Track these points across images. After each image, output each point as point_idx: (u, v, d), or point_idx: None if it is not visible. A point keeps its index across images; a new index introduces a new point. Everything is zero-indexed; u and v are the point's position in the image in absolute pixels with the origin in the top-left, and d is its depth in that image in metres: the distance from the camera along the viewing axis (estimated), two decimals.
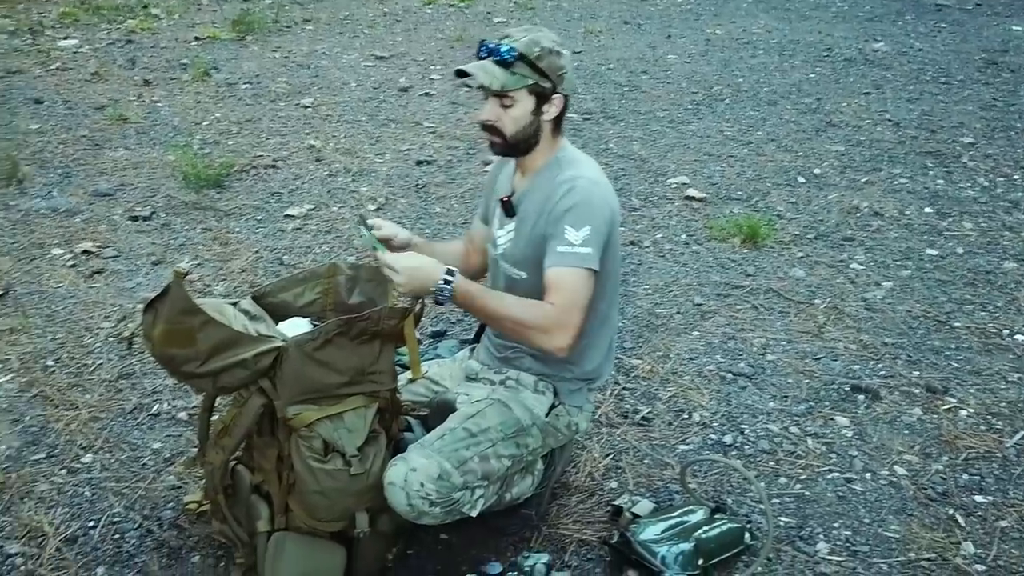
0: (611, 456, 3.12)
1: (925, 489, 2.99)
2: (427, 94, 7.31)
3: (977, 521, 2.86)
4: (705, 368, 3.65)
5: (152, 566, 2.61)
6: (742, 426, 3.29)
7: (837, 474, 3.06)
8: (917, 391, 3.52)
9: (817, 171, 5.77)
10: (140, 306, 3.74)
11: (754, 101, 7.23)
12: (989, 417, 3.37)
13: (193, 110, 6.69)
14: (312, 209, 5.06)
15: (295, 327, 2.55)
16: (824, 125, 6.65)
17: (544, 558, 2.12)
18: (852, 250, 4.72)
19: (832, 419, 3.35)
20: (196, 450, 2.67)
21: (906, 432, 3.29)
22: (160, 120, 6.46)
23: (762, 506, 2.85)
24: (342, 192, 5.33)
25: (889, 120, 6.76)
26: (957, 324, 4.01)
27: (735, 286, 4.32)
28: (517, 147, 2.54)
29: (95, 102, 6.73)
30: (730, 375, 3.60)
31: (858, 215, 5.14)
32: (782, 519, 2.84)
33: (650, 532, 2.62)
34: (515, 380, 2.67)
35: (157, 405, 3.33)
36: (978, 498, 2.96)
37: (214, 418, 2.56)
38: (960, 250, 4.73)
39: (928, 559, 2.70)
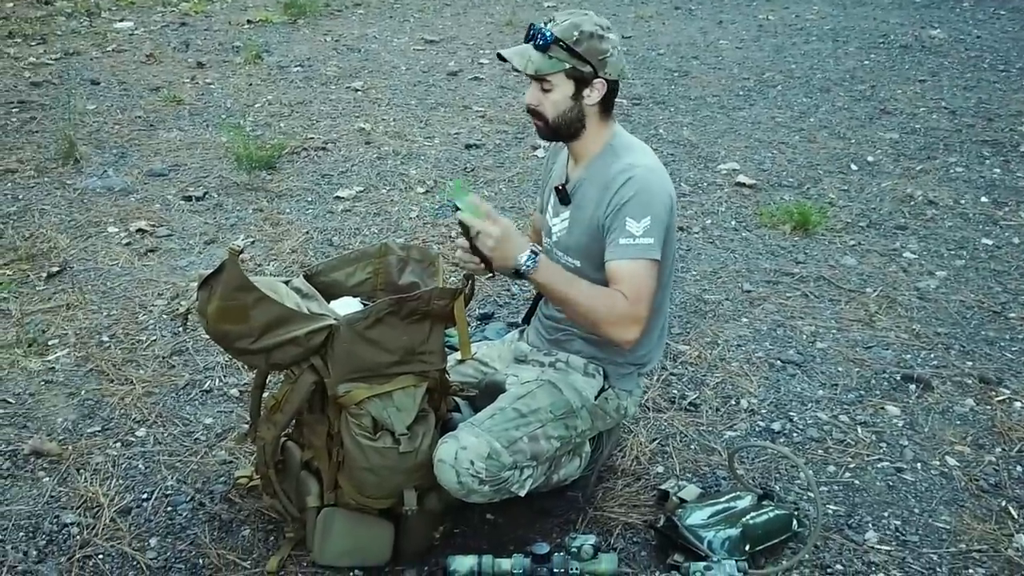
0: (658, 441, 3.11)
1: (977, 480, 2.96)
2: (476, 78, 7.32)
3: None
4: (753, 355, 3.63)
5: (204, 538, 2.65)
6: (791, 414, 3.27)
7: (887, 463, 3.03)
8: (970, 381, 3.47)
9: (870, 159, 5.70)
10: (193, 284, 3.83)
11: (807, 88, 7.16)
12: None
13: (245, 92, 6.75)
14: (361, 191, 5.09)
15: (346, 306, 2.57)
16: (878, 112, 6.56)
17: (591, 539, 2.13)
18: (905, 239, 4.66)
19: (883, 408, 3.31)
20: (247, 426, 2.71)
21: (958, 423, 3.25)
22: (213, 102, 6.53)
23: (810, 493, 2.83)
24: (391, 175, 5.36)
25: (945, 108, 6.66)
26: (1012, 315, 3.95)
27: (785, 273, 4.29)
28: (559, 131, 2.53)
29: (150, 84, 6.82)
30: (779, 362, 3.58)
31: (912, 203, 5.07)
32: (831, 507, 2.82)
33: (697, 517, 2.61)
34: (565, 362, 2.67)
35: (209, 381, 3.38)
36: None
37: (266, 395, 2.59)
38: (1016, 240, 4.65)
39: (979, 550, 2.66)
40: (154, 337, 3.64)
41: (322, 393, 2.44)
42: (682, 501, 2.73)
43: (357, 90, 6.94)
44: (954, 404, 3.34)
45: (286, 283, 2.54)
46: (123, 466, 2.94)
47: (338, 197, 5.01)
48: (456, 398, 2.69)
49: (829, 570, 2.57)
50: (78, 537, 2.64)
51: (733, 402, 3.34)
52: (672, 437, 3.14)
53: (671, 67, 7.69)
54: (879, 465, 3.02)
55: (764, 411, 3.29)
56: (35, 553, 2.57)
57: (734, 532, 2.56)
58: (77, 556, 2.56)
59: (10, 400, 3.23)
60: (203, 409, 3.24)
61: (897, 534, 2.73)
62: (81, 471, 2.90)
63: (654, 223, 2.41)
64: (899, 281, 4.22)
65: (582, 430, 2.62)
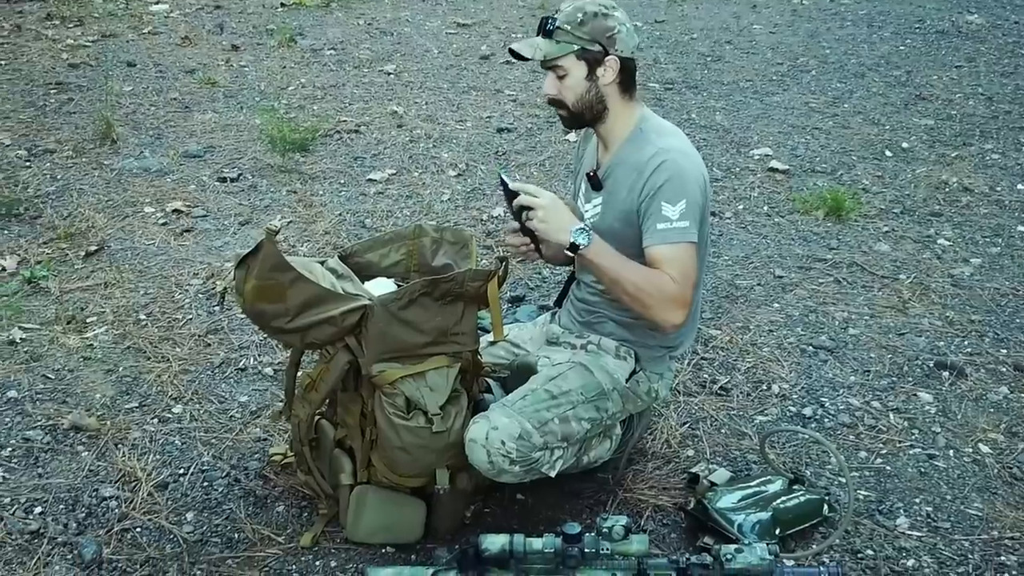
0: (688, 424, 3.12)
1: (1011, 468, 2.94)
2: (508, 62, 7.31)
3: None
4: (785, 340, 3.62)
5: (239, 513, 2.69)
6: (822, 399, 3.27)
7: (919, 450, 3.03)
8: (1004, 369, 3.46)
9: (905, 145, 5.66)
10: (228, 265, 3.87)
11: (841, 73, 7.10)
12: None
13: (279, 75, 6.79)
14: (394, 174, 5.12)
15: (380, 287, 2.60)
16: (913, 98, 6.51)
17: (623, 520, 2.14)
18: (939, 225, 4.63)
19: (915, 395, 3.30)
20: (282, 404, 2.74)
21: (991, 410, 3.23)
22: (247, 84, 6.57)
23: (842, 478, 2.83)
24: (423, 158, 5.38)
25: (982, 94, 6.59)
26: None
27: (817, 259, 4.28)
28: (583, 116, 2.54)
29: (185, 66, 6.87)
30: (811, 348, 3.58)
31: (946, 190, 5.03)
32: (862, 492, 2.82)
33: (727, 500, 2.63)
34: (596, 345, 2.68)
35: (244, 360, 3.42)
36: None
37: (300, 374, 2.62)
38: None
39: (1012, 538, 2.66)
40: (190, 316, 3.69)
41: (356, 372, 2.47)
42: (712, 484, 2.74)
43: (390, 73, 6.96)
44: (988, 392, 3.33)
45: (321, 263, 2.57)
46: (160, 442, 2.99)
47: (371, 180, 5.04)
48: (488, 379, 2.71)
49: (860, 555, 2.58)
50: (116, 510, 2.69)
51: (764, 387, 3.34)
52: (703, 421, 3.14)
53: (704, 52, 7.65)
54: (911, 451, 3.02)
55: (795, 396, 3.29)
56: (75, 525, 2.62)
57: (764, 516, 2.58)
58: (115, 529, 2.62)
59: (50, 376, 3.28)
60: (238, 387, 3.28)
61: (928, 520, 2.72)
62: (119, 446, 2.95)
63: (689, 206, 2.41)
64: (933, 268, 4.20)
65: (613, 412, 2.63)
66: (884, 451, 3.02)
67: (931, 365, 3.47)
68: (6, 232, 4.30)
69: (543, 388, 2.53)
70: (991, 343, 3.63)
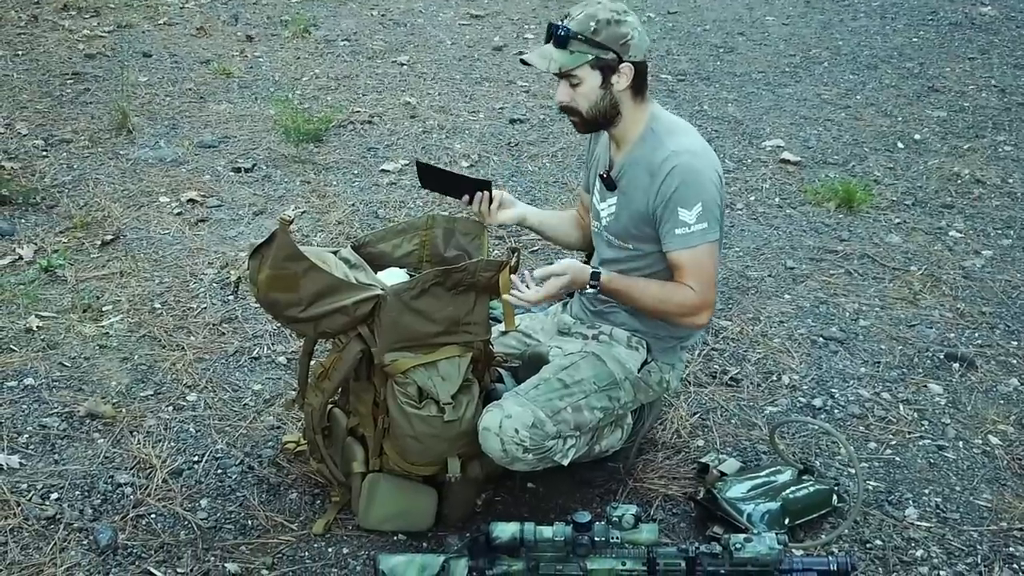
0: (698, 415, 3.14)
1: (1020, 459, 2.96)
2: (521, 53, 7.30)
3: None
4: (796, 331, 3.63)
5: (252, 500, 2.73)
6: (832, 390, 3.28)
7: (929, 441, 3.04)
8: (1015, 361, 3.46)
9: (917, 137, 5.65)
10: (242, 254, 3.90)
11: (853, 65, 7.08)
12: None
13: (293, 66, 6.81)
14: (407, 164, 5.13)
15: (393, 276, 2.62)
16: (926, 90, 6.49)
17: (633, 509, 2.16)
18: (951, 217, 4.63)
19: (925, 386, 3.31)
20: (295, 392, 2.77)
21: (1001, 402, 3.24)
22: (261, 75, 6.59)
23: (851, 469, 2.84)
24: (436, 148, 5.39)
25: (995, 86, 6.56)
26: None
27: (829, 251, 4.28)
28: (597, 122, 2.56)
29: (200, 56, 6.89)
30: (821, 339, 3.58)
31: (959, 182, 5.03)
32: (871, 483, 2.83)
33: (737, 490, 2.64)
34: (608, 335, 2.70)
35: (258, 349, 3.45)
36: None
37: (313, 362, 2.64)
38: None
39: (1021, 529, 2.67)
40: (204, 305, 3.71)
41: (369, 361, 2.49)
42: (722, 474, 2.76)
43: (403, 64, 6.97)
44: (998, 383, 3.33)
45: (334, 253, 2.59)
46: (175, 429, 3.02)
47: (384, 170, 5.06)
48: (499, 369, 2.73)
49: (868, 545, 2.60)
50: (131, 497, 2.73)
51: (774, 378, 3.35)
52: (713, 411, 3.16)
53: (716, 43, 7.63)
54: (920, 442, 3.03)
55: (805, 387, 3.30)
56: (90, 511, 2.66)
57: (774, 506, 2.59)
58: (130, 515, 2.65)
59: (66, 364, 3.32)
60: (252, 375, 3.31)
61: (937, 511, 2.74)
62: (134, 433, 2.99)
63: (706, 207, 2.45)
64: (944, 260, 4.20)
65: (624, 402, 2.65)
66: (894, 442, 3.03)
67: (941, 356, 3.48)
68: (23, 221, 4.34)
69: (556, 377, 2.55)
70: (1002, 335, 3.63)
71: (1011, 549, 2.60)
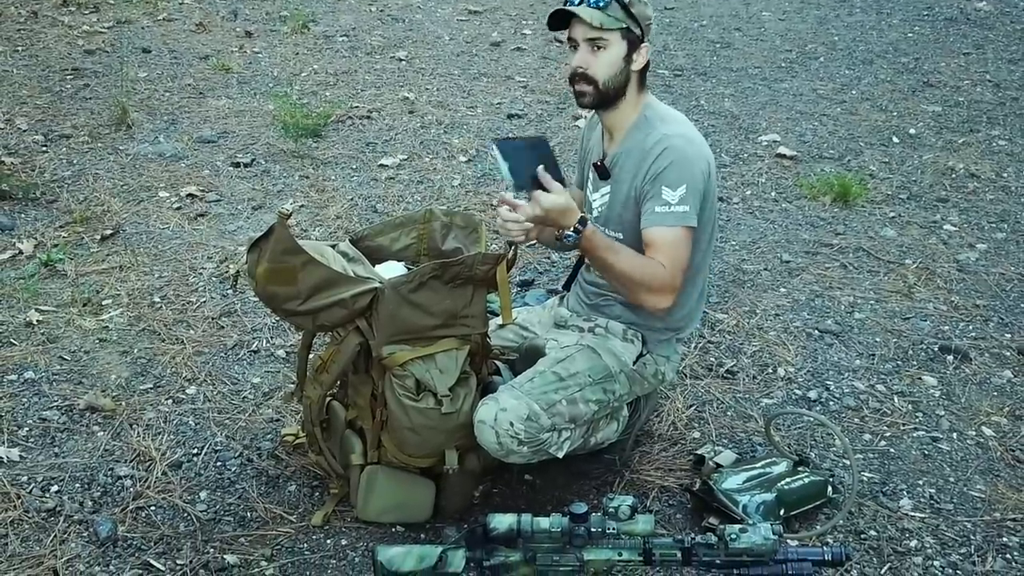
0: (694, 407, 3.16)
1: (1013, 451, 2.98)
2: (519, 49, 7.33)
3: None
4: (791, 324, 3.65)
5: (251, 492, 2.74)
6: (827, 382, 3.30)
7: (923, 433, 3.06)
8: (1008, 354, 3.48)
9: (912, 131, 5.67)
10: (241, 249, 3.91)
11: (849, 60, 7.10)
12: None
13: (292, 61, 6.82)
14: (405, 159, 5.15)
15: (391, 270, 2.63)
16: (921, 85, 6.51)
17: (629, 500, 2.17)
18: (946, 211, 4.65)
19: (920, 378, 3.33)
20: (294, 385, 2.79)
21: (995, 394, 3.26)
22: (260, 71, 6.61)
23: (846, 460, 2.86)
24: (434, 143, 5.41)
25: (989, 81, 6.59)
26: None
27: (824, 244, 4.30)
28: (608, 96, 2.54)
29: (199, 52, 6.91)
30: (816, 332, 3.61)
31: (953, 176, 5.05)
32: (866, 474, 2.85)
33: (732, 481, 2.66)
34: (604, 328, 2.72)
35: (257, 342, 3.47)
36: None
37: (312, 355, 2.66)
38: None
39: (1014, 519, 2.69)
40: (204, 299, 3.73)
41: (367, 354, 2.51)
42: (718, 466, 2.78)
43: (401, 60, 6.98)
44: (992, 375, 3.36)
45: (333, 247, 2.60)
46: (174, 422, 3.04)
47: (382, 165, 5.07)
48: (497, 362, 2.75)
49: (863, 536, 2.61)
50: (131, 489, 2.74)
51: (770, 370, 3.37)
52: (709, 403, 3.18)
53: (713, 38, 7.65)
54: (915, 434, 3.05)
55: (801, 379, 3.32)
56: (90, 504, 2.68)
57: (769, 497, 2.61)
58: (130, 507, 2.66)
59: (66, 357, 3.34)
60: (251, 369, 3.33)
61: (931, 502, 2.76)
62: (134, 426, 3.00)
63: (690, 190, 2.45)
64: (939, 253, 4.22)
65: (620, 394, 2.67)
66: (888, 434, 3.05)
67: (936, 349, 3.50)
68: (23, 216, 4.35)
69: (551, 370, 2.56)
70: (995, 327, 3.65)
71: (1004, 539, 2.62)
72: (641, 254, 2.50)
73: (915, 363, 3.43)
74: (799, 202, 4.74)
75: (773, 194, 4.83)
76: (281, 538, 2.58)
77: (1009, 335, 3.60)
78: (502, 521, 2.15)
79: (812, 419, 3.03)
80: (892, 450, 2.97)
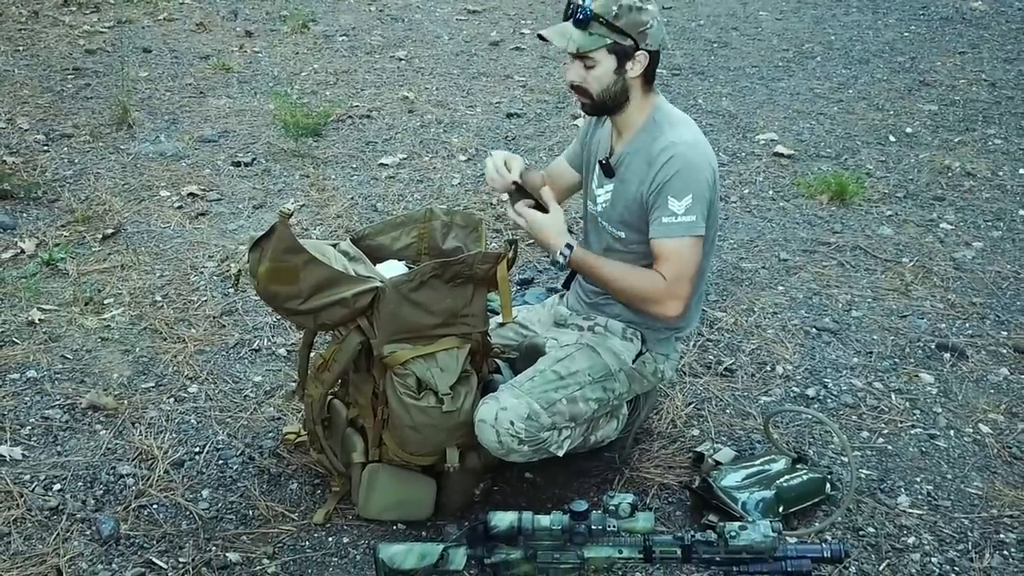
0: (693, 405, 3.17)
1: (1010, 448, 3.00)
2: (518, 48, 7.34)
3: None
4: (789, 322, 3.67)
5: (253, 491, 2.76)
6: (825, 380, 3.32)
7: (920, 430, 3.08)
8: (1005, 351, 3.50)
9: (909, 130, 5.69)
10: (242, 247, 3.93)
11: (846, 59, 7.11)
12: None
13: (292, 61, 6.83)
14: (405, 158, 5.16)
15: (391, 269, 2.64)
16: (917, 84, 6.52)
17: (629, 498, 2.18)
18: (942, 209, 4.67)
19: (917, 376, 3.35)
20: (295, 384, 2.80)
21: (992, 391, 3.28)
22: (261, 70, 6.61)
23: (844, 458, 2.88)
24: (434, 142, 5.42)
25: (985, 80, 6.60)
26: None
27: (821, 243, 4.32)
28: (606, 106, 2.56)
29: (199, 52, 6.91)
30: (814, 330, 3.62)
31: (949, 175, 5.07)
32: (864, 471, 2.87)
33: (732, 479, 2.68)
34: (603, 326, 2.73)
35: (258, 341, 3.48)
36: None
37: (313, 354, 2.67)
38: None
39: (1011, 516, 2.71)
40: (205, 298, 3.75)
41: (368, 353, 2.52)
42: (717, 463, 2.80)
43: (401, 59, 6.99)
44: (988, 373, 3.38)
45: (334, 246, 2.61)
46: (176, 421, 3.05)
47: (382, 164, 5.09)
48: (497, 360, 2.77)
49: (861, 532, 2.63)
50: (133, 488, 2.76)
51: (768, 368, 3.39)
52: (708, 401, 3.20)
53: (711, 38, 7.66)
54: (912, 431, 3.07)
55: (799, 377, 3.34)
56: (93, 502, 2.69)
57: (768, 494, 2.63)
58: (133, 505, 2.68)
59: (68, 356, 3.35)
60: (252, 367, 3.34)
61: (929, 499, 2.78)
62: (136, 425, 3.02)
63: (696, 200, 2.46)
64: (935, 251, 4.24)
65: (619, 393, 2.69)
66: (886, 431, 3.07)
67: (933, 347, 3.52)
68: (25, 215, 4.37)
69: (551, 369, 2.58)
70: (992, 325, 3.67)
71: (1001, 536, 2.64)
72: (637, 266, 2.55)
73: (912, 361, 3.44)
74: (796, 201, 4.75)
75: (771, 193, 4.84)
76: (283, 536, 2.60)
77: (1005, 332, 3.62)
78: (503, 519, 2.17)
79: (810, 416, 3.05)
80: (890, 447, 2.99)
